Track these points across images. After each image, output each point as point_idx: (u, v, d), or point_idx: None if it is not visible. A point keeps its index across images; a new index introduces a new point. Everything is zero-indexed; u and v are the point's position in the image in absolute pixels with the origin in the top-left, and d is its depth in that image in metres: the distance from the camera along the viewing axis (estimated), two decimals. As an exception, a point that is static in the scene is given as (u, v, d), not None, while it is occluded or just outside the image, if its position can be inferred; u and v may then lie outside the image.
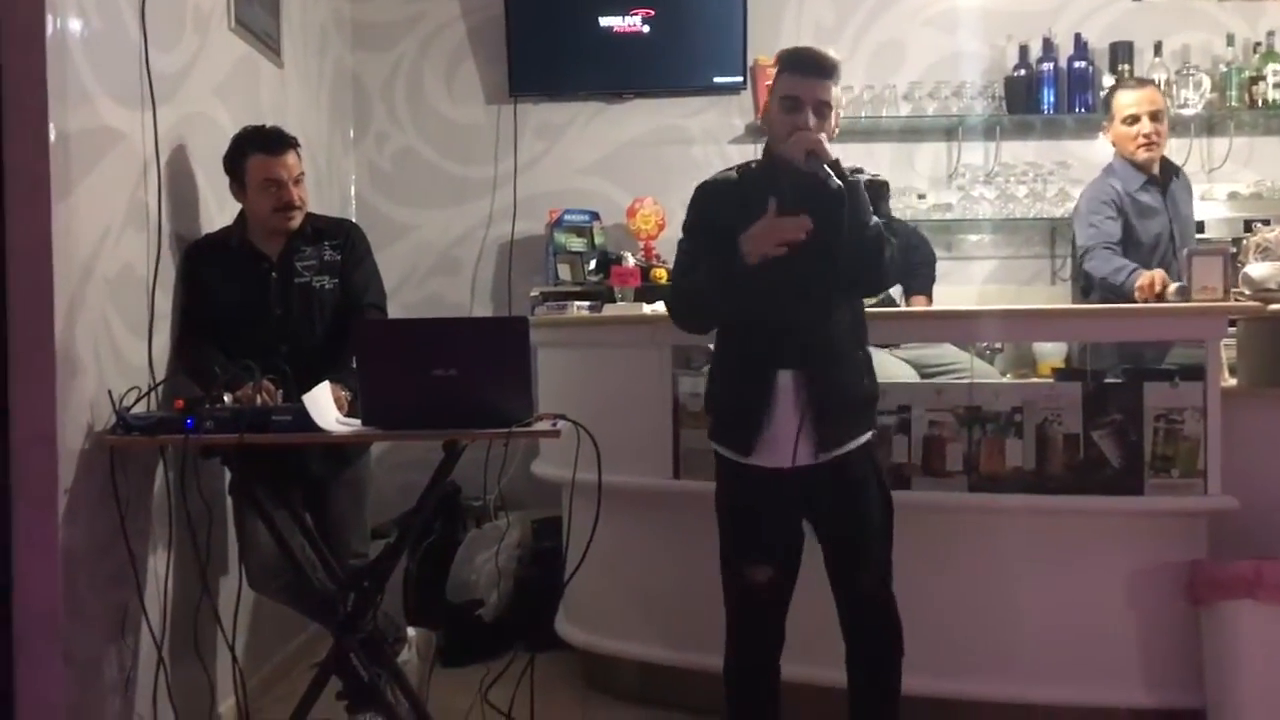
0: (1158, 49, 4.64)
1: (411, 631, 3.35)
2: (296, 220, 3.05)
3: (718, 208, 2.60)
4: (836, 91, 2.57)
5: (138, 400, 2.65)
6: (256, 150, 3.00)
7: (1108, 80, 4.65)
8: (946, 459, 3.02)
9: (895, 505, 2.68)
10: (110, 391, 2.59)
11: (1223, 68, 4.66)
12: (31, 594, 2.43)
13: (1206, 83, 4.61)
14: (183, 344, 3.00)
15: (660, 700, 3.43)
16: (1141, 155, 3.66)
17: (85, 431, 2.54)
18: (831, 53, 2.57)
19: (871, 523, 2.60)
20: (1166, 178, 3.74)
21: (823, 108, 2.53)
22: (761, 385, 2.55)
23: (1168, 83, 4.58)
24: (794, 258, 2.48)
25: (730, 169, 2.71)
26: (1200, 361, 2.96)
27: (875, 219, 2.51)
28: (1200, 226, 4.10)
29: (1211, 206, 4.51)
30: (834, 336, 2.58)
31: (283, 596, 3.05)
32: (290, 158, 3.03)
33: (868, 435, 2.64)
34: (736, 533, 2.65)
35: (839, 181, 2.43)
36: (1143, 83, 3.82)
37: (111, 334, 2.69)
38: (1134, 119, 3.65)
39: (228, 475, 3.04)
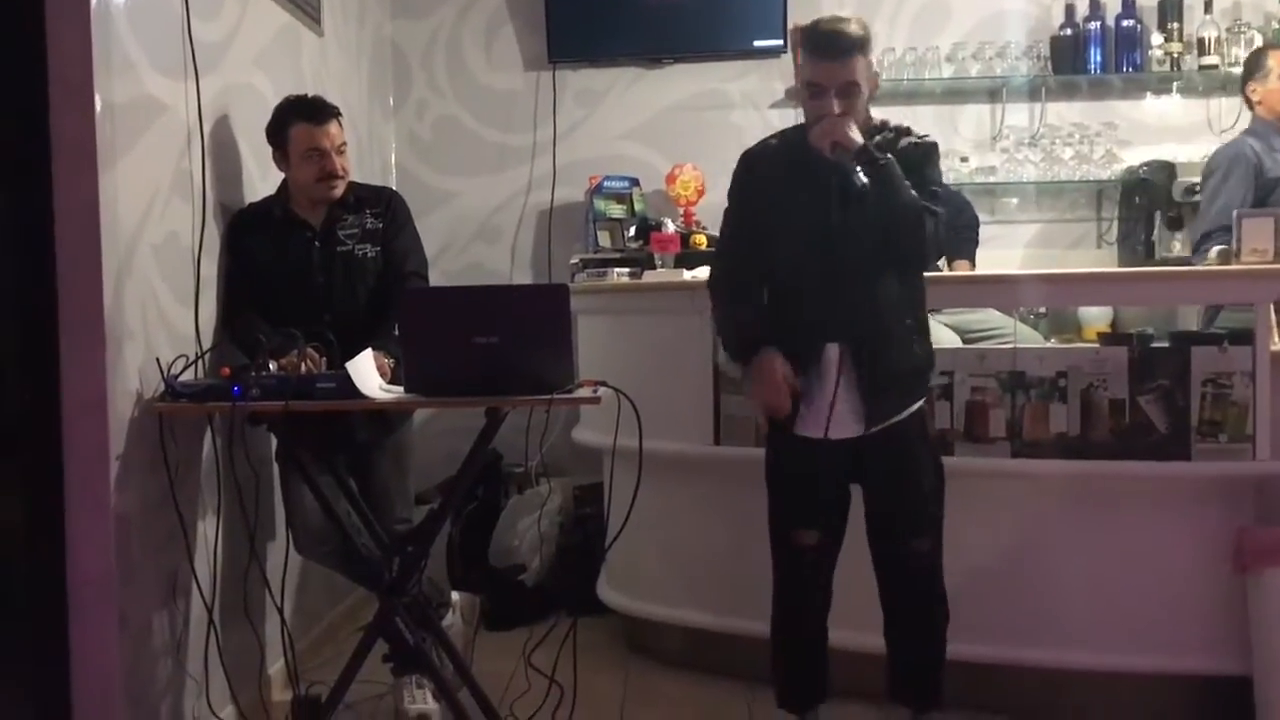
0: (1208, 5, 4.53)
1: (455, 596, 3.39)
2: (340, 189, 3.06)
3: (759, 176, 2.60)
4: (865, 63, 2.51)
5: (185, 368, 2.68)
6: (300, 120, 3.02)
7: (1156, 39, 4.57)
8: (989, 425, 2.99)
9: (937, 471, 2.67)
10: (158, 359, 2.62)
11: (1275, 24, 4.54)
12: (85, 559, 2.48)
13: (1258, 40, 4.50)
14: (228, 312, 3.03)
15: (702, 665, 3.45)
16: None
17: (134, 399, 2.57)
18: (853, 26, 2.50)
19: (922, 490, 2.62)
20: None
21: (849, 88, 2.48)
22: (807, 358, 2.56)
23: (1218, 40, 4.49)
24: (833, 237, 2.50)
25: (773, 136, 2.70)
26: (1249, 325, 2.91)
27: (913, 195, 2.49)
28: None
29: (1262, 167, 4.42)
30: (881, 309, 2.58)
31: (329, 561, 3.10)
32: (333, 127, 3.04)
33: (918, 404, 2.64)
34: (783, 498, 2.67)
35: (864, 180, 2.43)
36: None
37: (159, 302, 2.72)
38: None
39: (274, 442, 3.08)
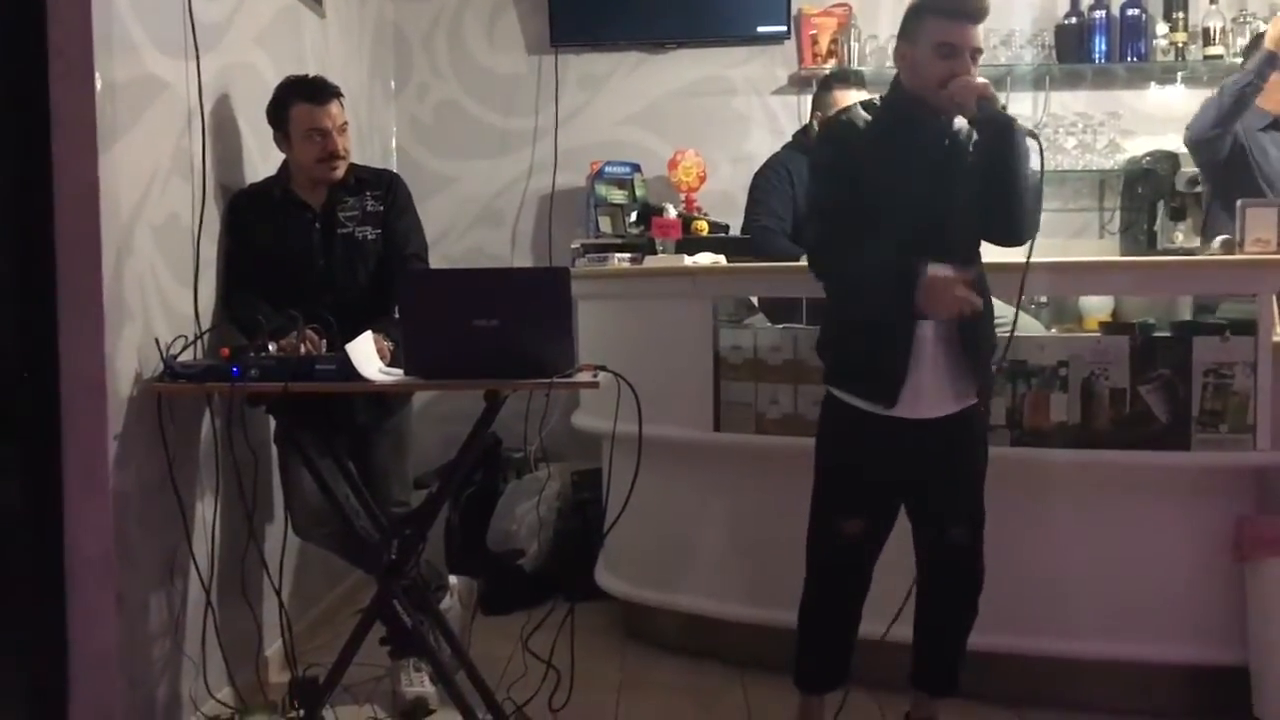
0: (1214, -4, 4.52)
1: (453, 580, 3.39)
2: (340, 170, 3.05)
3: (849, 144, 2.54)
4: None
5: (184, 348, 2.68)
6: (301, 99, 3.01)
7: (1161, 28, 4.55)
8: (990, 413, 2.99)
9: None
10: (157, 339, 2.62)
11: (1281, 15, 4.54)
12: (84, 538, 2.48)
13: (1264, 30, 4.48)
14: (228, 293, 3.03)
15: (699, 650, 3.45)
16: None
17: (134, 378, 2.57)
18: None
19: (978, 474, 2.62)
20: None
21: (976, 54, 2.50)
22: (905, 336, 2.51)
23: (1223, 30, 4.47)
24: (942, 210, 2.47)
25: (854, 105, 2.64)
26: (1252, 316, 2.90)
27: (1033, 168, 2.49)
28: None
29: (1266, 157, 4.40)
30: (976, 285, 2.55)
31: (327, 544, 3.10)
32: (334, 107, 3.03)
33: (988, 385, 2.64)
34: (839, 484, 2.63)
35: (1027, 126, 2.44)
36: None
37: (158, 282, 2.72)
38: None
39: (273, 424, 3.08)
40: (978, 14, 2.49)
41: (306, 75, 3.12)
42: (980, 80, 2.47)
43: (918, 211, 2.48)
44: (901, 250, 2.47)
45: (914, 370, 2.52)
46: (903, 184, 2.50)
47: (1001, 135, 2.44)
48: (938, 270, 2.43)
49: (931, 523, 2.63)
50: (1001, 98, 4.54)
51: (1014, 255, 2.59)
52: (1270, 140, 3.73)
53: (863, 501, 2.60)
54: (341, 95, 3.08)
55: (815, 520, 2.65)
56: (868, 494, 2.60)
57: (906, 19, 2.57)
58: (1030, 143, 2.48)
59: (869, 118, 2.58)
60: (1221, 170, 3.75)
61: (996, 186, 2.47)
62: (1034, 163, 2.49)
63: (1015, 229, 2.56)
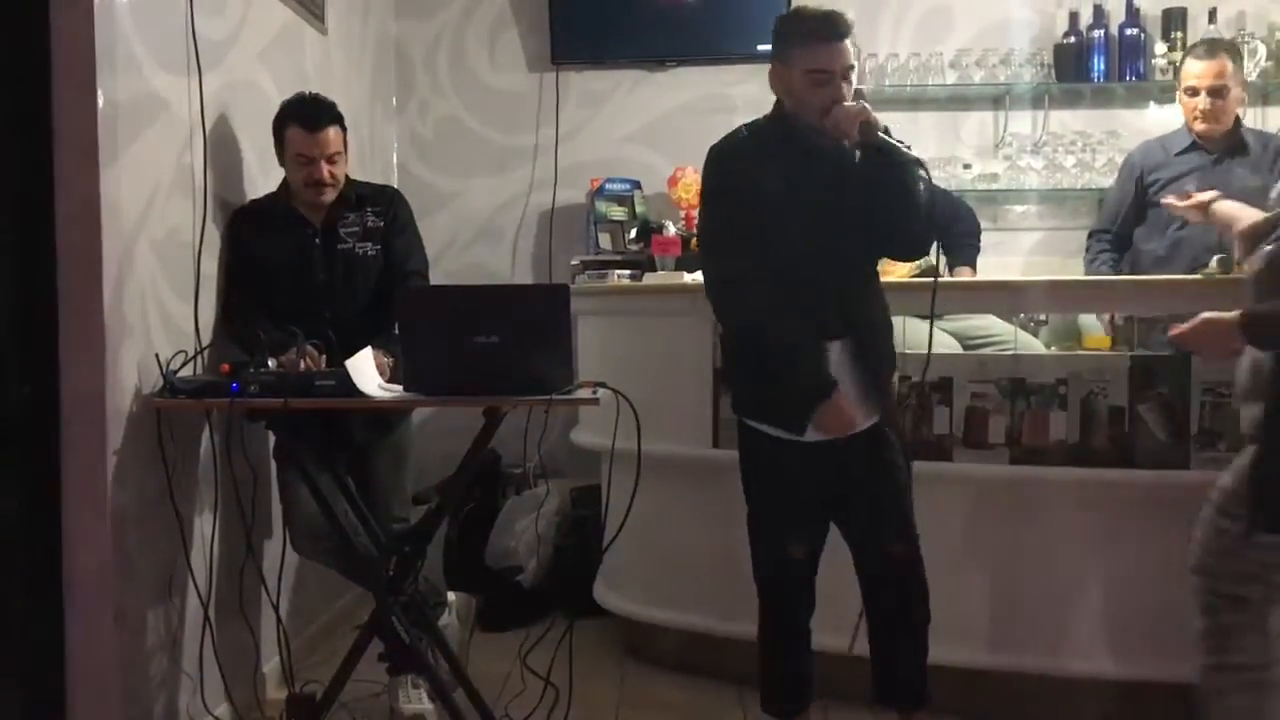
0: (1212, 15, 4.53)
1: (452, 596, 3.39)
2: (328, 196, 3.05)
3: (738, 168, 2.55)
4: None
5: (184, 364, 2.68)
6: (295, 123, 3.01)
7: (1160, 48, 4.57)
8: (989, 431, 2.99)
9: (936, 478, 2.66)
10: (157, 355, 2.62)
11: (1279, 35, 4.55)
12: (82, 553, 2.48)
13: (1262, 51, 4.50)
14: (228, 309, 3.03)
15: (698, 668, 3.45)
16: (1198, 127, 3.61)
17: (133, 394, 2.57)
18: (846, 12, 2.51)
19: (903, 486, 2.61)
20: (1230, 148, 3.63)
21: (848, 71, 2.48)
22: (814, 358, 2.51)
23: (1222, 51, 4.48)
24: (835, 230, 2.47)
25: (738, 129, 2.64)
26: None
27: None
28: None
29: (1265, 177, 4.42)
30: (873, 303, 2.59)
31: (326, 560, 3.10)
32: (328, 133, 3.01)
33: (889, 401, 2.65)
34: (774, 510, 2.64)
35: (909, 148, 2.43)
36: (1213, 51, 3.64)
37: (159, 298, 2.72)
38: (1193, 91, 3.58)
39: (272, 439, 3.08)
40: (843, 32, 2.47)
41: (309, 96, 3.10)
42: (859, 105, 2.45)
43: (808, 231, 2.47)
44: (794, 270, 2.48)
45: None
46: (792, 204, 2.49)
47: (886, 160, 2.44)
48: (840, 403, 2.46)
49: (867, 541, 2.61)
50: (1000, 115, 4.68)
51: (1008, 272, 2.60)
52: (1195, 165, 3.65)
53: (795, 525, 2.61)
54: (341, 120, 3.07)
55: (754, 548, 2.67)
56: (798, 517, 2.61)
57: (775, 40, 2.55)
58: (918, 170, 2.47)
59: (748, 134, 2.59)
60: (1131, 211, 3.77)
61: (890, 207, 2.46)
62: (923, 186, 2.48)
63: (915, 242, 2.59)
